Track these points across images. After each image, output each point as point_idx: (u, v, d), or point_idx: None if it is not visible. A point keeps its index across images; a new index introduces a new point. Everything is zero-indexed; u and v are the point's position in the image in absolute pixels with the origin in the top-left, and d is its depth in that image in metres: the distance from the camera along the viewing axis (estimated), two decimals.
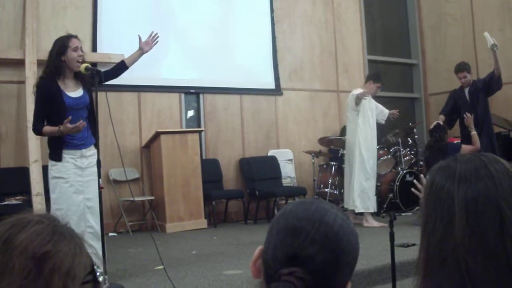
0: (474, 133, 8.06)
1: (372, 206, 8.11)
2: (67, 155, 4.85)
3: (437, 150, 7.75)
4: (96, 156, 4.94)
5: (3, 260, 1.01)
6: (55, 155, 4.86)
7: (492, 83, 8.14)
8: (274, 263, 1.20)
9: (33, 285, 1.01)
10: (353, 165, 8.16)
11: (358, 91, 8.21)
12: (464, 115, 8.20)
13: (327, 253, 1.18)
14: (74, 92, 4.96)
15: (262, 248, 1.28)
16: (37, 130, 4.90)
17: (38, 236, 1.06)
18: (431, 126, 8.37)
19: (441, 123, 8.30)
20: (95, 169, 4.90)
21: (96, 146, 5.03)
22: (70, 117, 4.68)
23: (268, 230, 1.28)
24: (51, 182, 4.90)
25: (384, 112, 8.55)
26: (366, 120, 8.21)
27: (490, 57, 9.39)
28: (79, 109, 4.94)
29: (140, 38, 5.62)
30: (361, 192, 8.05)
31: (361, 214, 8.16)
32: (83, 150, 4.93)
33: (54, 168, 4.86)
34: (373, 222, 7.97)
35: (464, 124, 8.34)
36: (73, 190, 4.83)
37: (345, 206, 8.30)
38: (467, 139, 8.24)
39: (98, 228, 4.85)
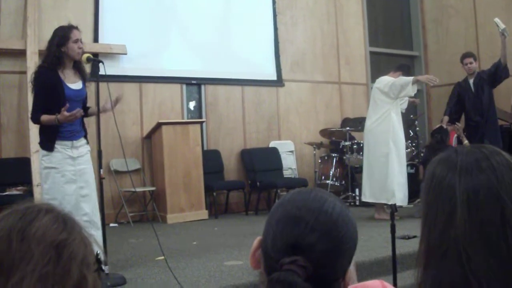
0: (466, 142, 8.06)
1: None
2: (59, 145, 4.85)
3: (436, 151, 7.70)
4: (86, 147, 5.00)
5: (22, 248, 1.01)
6: (48, 145, 4.86)
7: (498, 72, 8.12)
8: (274, 253, 1.21)
9: (53, 272, 1.01)
10: (388, 156, 7.71)
11: (387, 79, 7.93)
12: (455, 124, 8.20)
13: (327, 241, 1.19)
14: (74, 83, 4.96)
15: (260, 238, 1.28)
16: (35, 119, 4.90)
17: (53, 225, 1.06)
18: (434, 128, 8.36)
19: (444, 126, 8.28)
20: (86, 158, 4.96)
21: (86, 138, 5.06)
22: (67, 105, 4.67)
23: (266, 220, 1.28)
24: (43, 173, 4.90)
25: (404, 99, 8.23)
26: (398, 110, 7.97)
27: (492, 50, 9.42)
28: (77, 101, 4.95)
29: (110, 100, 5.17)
30: (398, 183, 7.71)
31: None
32: (74, 141, 4.94)
33: (46, 159, 4.85)
34: (384, 215, 7.77)
35: (469, 117, 8.35)
36: (65, 180, 4.82)
37: (375, 200, 7.95)
38: (473, 130, 8.23)
39: (94, 215, 4.86)
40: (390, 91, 7.76)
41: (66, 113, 4.65)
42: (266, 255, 1.24)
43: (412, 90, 7.68)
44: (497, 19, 7.91)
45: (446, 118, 8.57)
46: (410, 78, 7.65)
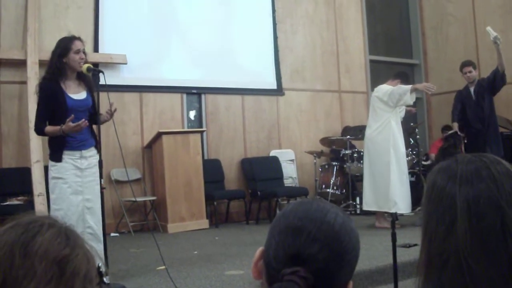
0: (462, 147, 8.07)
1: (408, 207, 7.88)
2: (67, 155, 4.85)
3: (448, 155, 7.71)
4: (96, 157, 4.96)
5: (24, 265, 1.01)
6: (55, 156, 4.86)
7: (496, 80, 8.12)
8: (276, 263, 1.21)
9: None
10: (389, 165, 7.66)
11: (386, 87, 7.90)
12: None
13: (329, 252, 1.19)
14: (77, 94, 4.95)
15: (263, 249, 1.28)
16: (39, 130, 4.91)
17: (55, 240, 1.06)
18: (448, 132, 8.34)
19: (459, 132, 8.26)
20: (95, 170, 4.92)
21: (97, 147, 5.03)
22: (72, 116, 4.68)
23: (269, 231, 1.28)
24: (51, 183, 4.91)
25: (401, 108, 8.15)
26: (398, 118, 7.95)
27: (491, 57, 9.40)
28: (81, 111, 4.92)
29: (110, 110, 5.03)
30: (400, 192, 7.69)
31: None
32: (83, 151, 4.93)
33: (54, 169, 4.86)
34: (385, 223, 7.77)
35: (469, 123, 8.33)
36: (71, 190, 4.82)
37: (378, 209, 7.89)
38: (474, 137, 8.23)
39: (97, 229, 4.85)
40: (389, 100, 7.75)
41: (71, 124, 4.66)
42: (268, 265, 1.24)
43: (410, 99, 7.66)
44: (489, 28, 7.91)
45: (456, 124, 8.51)
46: (409, 87, 7.64)
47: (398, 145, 7.81)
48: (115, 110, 5.01)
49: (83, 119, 4.75)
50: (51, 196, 4.92)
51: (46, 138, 5.05)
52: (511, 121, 10.01)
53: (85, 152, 4.95)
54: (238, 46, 10.12)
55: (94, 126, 5.16)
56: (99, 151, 5.01)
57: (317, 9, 11.19)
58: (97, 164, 4.96)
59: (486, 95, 8.27)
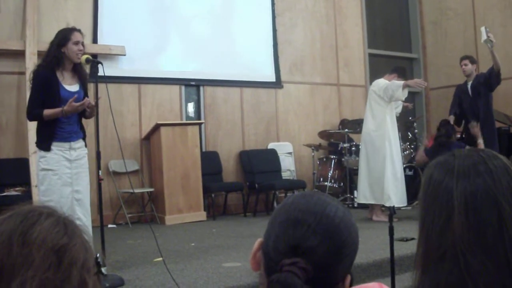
0: (480, 141, 7.99)
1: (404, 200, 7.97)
2: (56, 147, 4.83)
3: (439, 145, 7.73)
4: (84, 149, 4.99)
5: (22, 253, 1.01)
6: (44, 145, 4.84)
7: (491, 78, 8.13)
8: (275, 255, 1.21)
9: (53, 277, 1.01)
10: (385, 159, 7.78)
11: (382, 82, 7.99)
12: (469, 124, 8.18)
13: (329, 244, 1.20)
14: (71, 86, 4.94)
15: (261, 240, 1.29)
16: (33, 115, 4.87)
17: (54, 229, 1.06)
18: (440, 121, 8.36)
19: (451, 122, 8.28)
20: (83, 161, 4.95)
21: (84, 140, 5.04)
22: (75, 96, 4.69)
23: (268, 222, 1.29)
24: (40, 174, 4.88)
25: (398, 104, 8.32)
26: (393, 113, 8.05)
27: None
28: None
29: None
30: (394, 186, 7.79)
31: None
32: (72, 143, 4.92)
33: (43, 160, 4.84)
34: (382, 217, 7.86)
35: (468, 119, 8.33)
36: (62, 182, 4.82)
37: (375, 202, 7.97)
38: (469, 130, 8.22)
39: (85, 220, 4.87)
40: (384, 95, 7.87)
41: (74, 104, 4.65)
42: (267, 256, 1.24)
43: (402, 95, 7.78)
44: (482, 28, 7.91)
45: (452, 117, 8.54)
46: (401, 83, 7.75)
47: (392, 139, 7.88)
48: (95, 103, 4.97)
49: (86, 98, 4.77)
50: (40, 188, 4.90)
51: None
52: (510, 116, 10.00)
53: (74, 144, 4.95)
54: (237, 38, 10.10)
55: (92, 119, 5.16)
56: (86, 145, 5.05)
57: (316, 3, 11.17)
58: (86, 156, 5.02)
59: (482, 90, 8.27)
